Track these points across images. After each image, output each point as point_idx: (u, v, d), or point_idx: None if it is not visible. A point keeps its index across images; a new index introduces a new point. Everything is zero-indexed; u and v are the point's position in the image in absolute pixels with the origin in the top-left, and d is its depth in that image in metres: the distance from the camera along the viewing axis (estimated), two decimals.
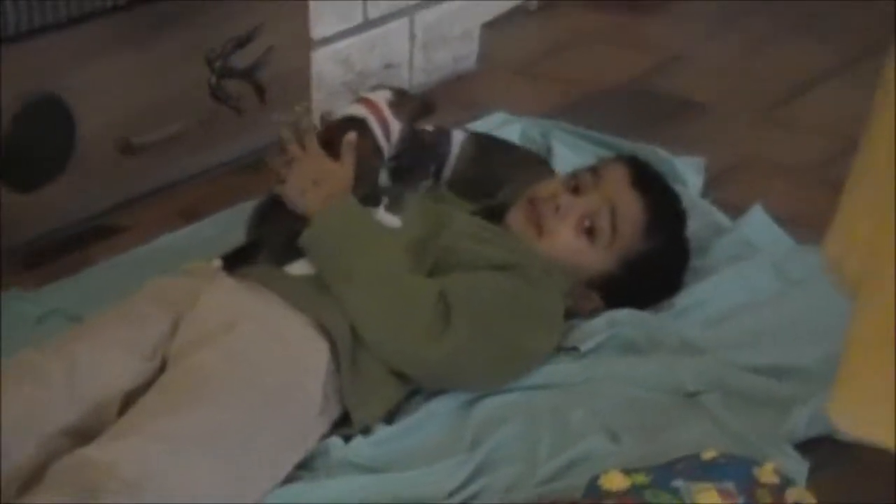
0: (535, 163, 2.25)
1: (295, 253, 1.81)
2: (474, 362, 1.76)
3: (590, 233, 1.92)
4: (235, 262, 1.85)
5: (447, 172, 2.14)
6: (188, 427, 1.54)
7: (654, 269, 1.95)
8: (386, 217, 1.89)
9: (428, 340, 1.72)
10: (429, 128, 2.11)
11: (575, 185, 1.96)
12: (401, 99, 1.95)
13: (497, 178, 2.15)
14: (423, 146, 2.06)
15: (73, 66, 2.21)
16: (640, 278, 1.94)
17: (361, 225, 1.81)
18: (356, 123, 1.90)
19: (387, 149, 1.93)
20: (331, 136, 1.87)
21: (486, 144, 2.21)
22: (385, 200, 1.89)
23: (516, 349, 1.80)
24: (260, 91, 2.33)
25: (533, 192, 1.99)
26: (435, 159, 2.11)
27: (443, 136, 2.14)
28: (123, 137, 2.29)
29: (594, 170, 1.99)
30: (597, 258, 1.92)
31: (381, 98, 1.94)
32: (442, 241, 1.85)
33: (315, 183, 1.81)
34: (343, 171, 1.83)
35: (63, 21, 2.14)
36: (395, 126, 1.93)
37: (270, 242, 1.85)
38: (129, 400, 1.62)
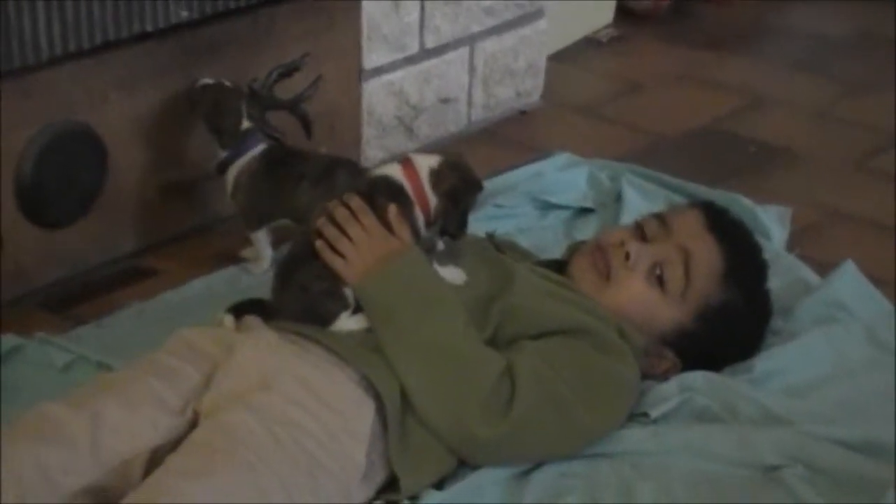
0: (339, 166, 2.26)
1: (316, 320, 1.80)
2: (532, 444, 1.76)
3: (661, 282, 1.92)
4: (250, 313, 1.86)
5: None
6: (218, 493, 1.54)
7: (731, 323, 1.94)
8: (448, 272, 1.85)
9: (482, 420, 1.71)
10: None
11: (642, 233, 1.96)
12: (448, 170, 1.85)
13: (285, 191, 2.22)
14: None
15: (106, 96, 2.24)
16: (716, 333, 1.93)
17: (425, 283, 1.80)
18: (393, 188, 1.84)
19: (422, 229, 1.85)
20: (365, 197, 1.83)
21: (277, 157, 2.27)
22: (437, 251, 1.87)
23: (581, 429, 1.79)
24: (306, 124, 2.34)
25: (599, 238, 2.01)
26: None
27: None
28: (156, 173, 2.32)
29: (662, 217, 2.00)
30: (669, 310, 1.92)
31: (425, 165, 1.85)
32: (510, 298, 1.84)
33: (381, 261, 1.80)
34: (405, 246, 1.81)
35: (97, 47, 2.17)
36: (433, 201, 1.84)
37: (291, 310, 1.82)
38: (155, 456, 1.65)
